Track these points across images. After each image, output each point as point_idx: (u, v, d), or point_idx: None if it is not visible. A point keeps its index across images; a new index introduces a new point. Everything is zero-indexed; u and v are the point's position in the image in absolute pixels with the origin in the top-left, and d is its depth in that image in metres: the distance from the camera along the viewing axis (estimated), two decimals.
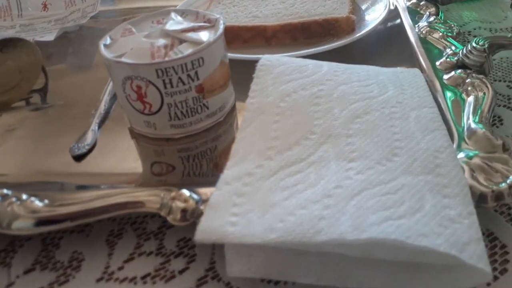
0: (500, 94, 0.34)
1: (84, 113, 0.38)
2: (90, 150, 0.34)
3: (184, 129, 0.33)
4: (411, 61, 0.37)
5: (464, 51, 0.33)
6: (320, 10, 0.43)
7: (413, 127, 0.25)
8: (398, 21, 0.43)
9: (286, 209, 0.21)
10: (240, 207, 0.22)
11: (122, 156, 0.34)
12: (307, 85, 0.29)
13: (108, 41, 0.33)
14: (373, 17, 0.43)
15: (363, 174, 0.22)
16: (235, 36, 0.44)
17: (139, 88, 0.31)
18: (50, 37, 0.51)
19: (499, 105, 0.33)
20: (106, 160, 0.33)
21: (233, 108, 0.36)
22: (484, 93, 0.29)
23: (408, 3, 0.45)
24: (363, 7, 0.47)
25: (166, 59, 0.30)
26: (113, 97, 0.39)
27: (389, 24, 0.44)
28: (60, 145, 0.34)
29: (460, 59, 0.33)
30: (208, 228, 0.21)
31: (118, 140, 0.35)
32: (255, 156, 0.25)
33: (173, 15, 0.36)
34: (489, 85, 0.30)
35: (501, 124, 0.31)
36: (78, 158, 0.33)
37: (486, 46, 0.32)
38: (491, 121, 0.28)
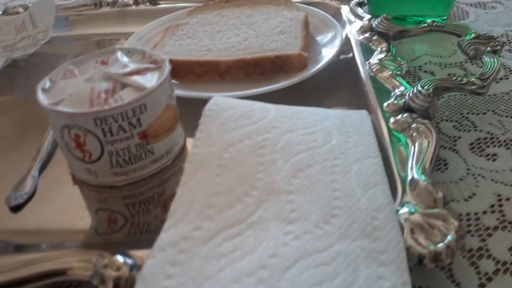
0: (446, 135, 0.34)
1: (26, 155, 0.36)
2: (28, 199, 0.32)
3: (127, 176, 0.32)
4: (362, 100, 0.37)
5: (410, 94, 0.33)
6: (273, 46, 0.43)
7: (354, 182, 0.25)
8: (352, 56, 0.43)
9: (220, 283, 0.20)
10: (172, 280, 0.20)
11: (63, 206, 0.32)
12: (253, 133, 0.29)
13: (48, 84, 0.32)
14: (328, 51, 0.43)
15: (300, 240, 0.21)
16: (188, 71, 0.43)
17: (77, 136, 0.30)
18: None
19: (445, 147, 0.33)
20: (46, 211, 0.31)
21: (182, 150, 0.35)
22: (429, 141, 0.29)
23: (361, 37, 0.45)
24: (319, 39, 0.47)
25: (105, 107, 0.29)
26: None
27: (343, 59, 0.44)
28: None
29: (406, 102, 0.33)
30: None
31: (60, 187, 0.33)
32: (194, 215, 0.24)
33: (119, 54, 0.35)
34: (433, 132, 0.30)
35: (446, 168, 0.31)
36: (15, 208, 0.32)
37: (431, 90, 0.32)
38: (434, 169, 0.28)
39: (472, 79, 0.33)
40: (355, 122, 0.31)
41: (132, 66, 0.33)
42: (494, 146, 0.33)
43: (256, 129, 0.29)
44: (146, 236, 0.29)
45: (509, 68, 0.42)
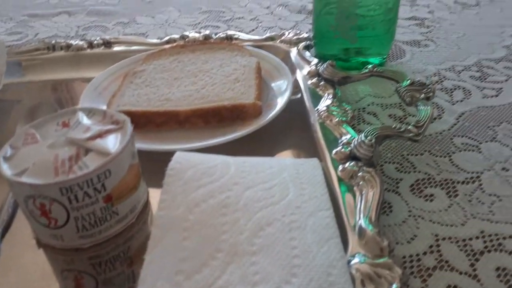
0: (389, 178, 0.38)
1: None
2: None
3: (93, 238, 0.33)
4: (312, 147, 0.40)
5: (355, 143, 0.36)
6: (229, 94, 0.45)
7: (309, 239, 0.27)
8: (302, 101, 0.47)
9: None
10: None
11: (27, 271, 0.32)
12: (216, 192, 0.31)
13: (9, 152, 0.32)
14: (280, 98, 0.46)
15: None
16: (148, 121, 0.44)
17: (42, 205, 0.30)
18: None
19: (389, 190, 0.37)
20: (9, 278, 0.32)
21: (146, 205, 0.37)
22: (374, 190, 0.33)
23: (309, 82, 0.48)
24: (272, 84, 0.50)
25: (71, 176, 0.30)
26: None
27: (295, 104, 0.47)
28: None
29: (352, 150, 0.36)
30: None
31: (24, 251, 0.34)
32: (163, 283, 0.25)
33: (79, 115, 0.36)
34: (377, 180, 0.33)
35: (391, 211, 0.35)
36: None
37: (373, 140, 0.35)
38: (379, 216, 0.31)
39: (409, 127, 0.37)
40: (308, 172, 0.34)
41: (94, 129, 0.34)
42: (431, 186, 0.37)
43: (218, 187, 0.31)
44: None
45: (441, 108, 0.47)
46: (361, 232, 0.30)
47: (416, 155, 0.40)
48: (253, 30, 0.71)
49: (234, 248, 0.27)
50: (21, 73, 0.60)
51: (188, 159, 0.34)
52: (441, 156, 0.40)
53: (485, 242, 0.32)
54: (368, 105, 0.48)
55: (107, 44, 0.62)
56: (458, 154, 0.40)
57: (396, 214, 0.34)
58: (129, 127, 0.34)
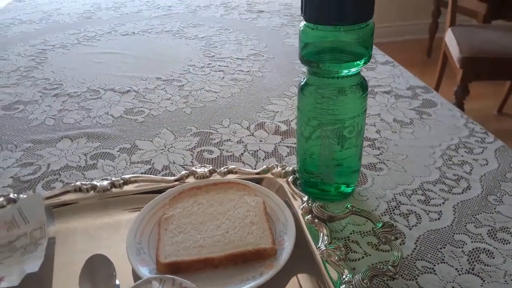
0: None
1: None
2: None
3: None
4: (321, 284, 0.55)
5: (355, 283, 0.52)
6: (250, 239, 0.59)
7: None
8: (303, 237, 0.62)
9: None
10: None
11: None
12: None
13: None
14: (287, 236, 0.61)
15: None
16: (189, 267, 0.57)
17: None
18: (14, 282, 0.56)
19: None
20: None
21: None
22: None
23: (306, 218, 0.64)
24: (276, 220, 0.65)
25: None
26: None
27: (297, 240, 0.61)
28: None
29: None
30: None
31: None
32: None
33: (153, 284, 0.48)
34: None
35: None
36: None
37: (367, 280, 0.51)
38: None
39: (389, 267, 0.53)
40: None
41: None
42: None
43: None
44: None
45: (403, 233, 0.64)
46: None
47: (392, 280, 0.56)
48: (242, 154, 0.86)
49: None
50: (53, 218, 0.69)
51: None
52: (409, 280, 0.57)
53: None
54: (351, 233, 0.64)
55: (128, 183, 0.74)
56: (421, 276, 0.57)
57: None
58: None
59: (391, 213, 0.68)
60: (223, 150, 0.88)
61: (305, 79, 0.65)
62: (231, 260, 0.58)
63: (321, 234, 0.61)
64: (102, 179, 0.75)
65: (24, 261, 0.60)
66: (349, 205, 0.64)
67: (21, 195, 0.71)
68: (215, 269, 0.57)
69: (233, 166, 0.77)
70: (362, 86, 0.64)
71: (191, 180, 0.74)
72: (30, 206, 0.66)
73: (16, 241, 0.63)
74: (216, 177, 0.74)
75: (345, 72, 0.61)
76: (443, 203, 0.70)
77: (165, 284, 0.48)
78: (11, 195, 0.71)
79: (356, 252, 0.61)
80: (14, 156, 0.88)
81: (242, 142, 0.90)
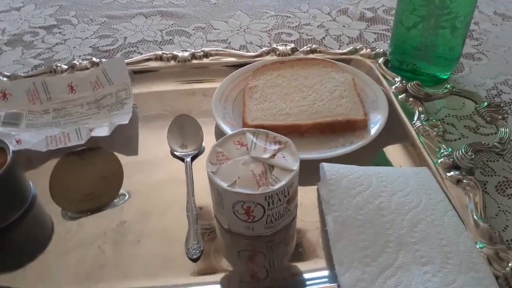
0: (478, 181, 0.50)
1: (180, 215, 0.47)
2: (202, 251, 0.44)
3: (274, 228, 0.45)
4: (416, 158, 0.52)
5: (457, 156, 0.48)
6: (340, 110, 0.57)
7: (450, 232, 0.40)
8: (395, 115, 0.58)
9: None
10: None
11: (228, 253, 0.44)
12: (370, 198, 0.43)
13: (211, 167, 0.43)
14: (378, 111, 0.57)
15: (436, 276, 0.36)
16: (275, 131, 0.55)
17: (248, 207, 0.42)
18: (104, 132, 0.57)
19: None
20: (219, 262, 0.44)
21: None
22: (477, 193, 0.45)
23: (400, 97, 0.60)
24: (365, 98, 0.61)
25: (271, 188, 0.41)
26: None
27: (389, 117, 0.58)
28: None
29: (455, 162, 0.48)
30: None
31: (221, 238, 0.46)
32: (358, 264, 0.38)
33: (247, 135, 0.47)
34: (478, 185, 0.45)
35: (485, 207, 0.47)
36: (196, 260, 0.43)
37: (473, 156, 0.47)
38: (485, 214, 0.43)
39: (495, 143, 0.49)
40: (426, 180, 0.46)
41: (269, 150, 0.45)
42: (511, 187, 0.49)
43: (371, 195, 0.43)
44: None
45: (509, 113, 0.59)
46: (477, 226, 0.42)
47: (493, 161, 0.53)
48: (323, 38, 0.81)
49: (400, 239, 0.39)
50: (136, 82, 0.69)
51: (338, 171, 0.46)
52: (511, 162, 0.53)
53: None
54: (446, 116, 0.60)
55: (208, 55, 0.71)
56: None
57: (490, 209, 0.47)
58: (293, 147, 0.45)
59: (491, 101, 0.62)
60: (302, 33, 0.83)
61: None
62: (318, 129, 0.55)
63: (417, 111, 0.57)
64: (183, 50, 0.73)
65: (111, 117, 0.61)
66: (449, 86, 0.59)
67: (103, 60, 0.71)
68: (300, 137, 0.56)
69: (316, 46, 0.72)
70: None
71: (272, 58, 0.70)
72: (113, 68, 0.66)
73: (102, 100, 0.64)
74: (298, 56, 0.70)
75: None
76: None
77: (258, 137, 0.47)
78: (94, 59, 0.71)
79: (452, 134, 0.57)
80: (91, 29, 0.87)
81: (323, 26, 0.84)
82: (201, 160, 0.54)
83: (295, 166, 0.43)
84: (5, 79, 0.67)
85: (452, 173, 0.48)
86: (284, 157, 0.44)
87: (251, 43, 0.80)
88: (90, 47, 0.81)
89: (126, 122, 0.58)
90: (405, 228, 0.40)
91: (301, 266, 0.43)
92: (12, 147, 0.48)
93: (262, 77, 0.64)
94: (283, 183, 0.42)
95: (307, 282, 0.41)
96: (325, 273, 0.41)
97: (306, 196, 0.49)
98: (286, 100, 0.59)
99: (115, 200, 0.50)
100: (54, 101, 0.65)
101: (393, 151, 0.54)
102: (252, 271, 0.43)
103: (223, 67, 0.70)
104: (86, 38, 0.84)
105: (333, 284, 0.39)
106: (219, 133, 0.56)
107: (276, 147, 0.46)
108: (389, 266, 0.37)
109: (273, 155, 0.44)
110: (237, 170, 0.43)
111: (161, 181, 0.52)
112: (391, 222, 0.41)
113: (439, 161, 0.49)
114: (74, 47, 0.81)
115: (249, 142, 0.46)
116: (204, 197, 0.48)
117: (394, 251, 0.38)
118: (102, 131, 0.58)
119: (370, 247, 0.39)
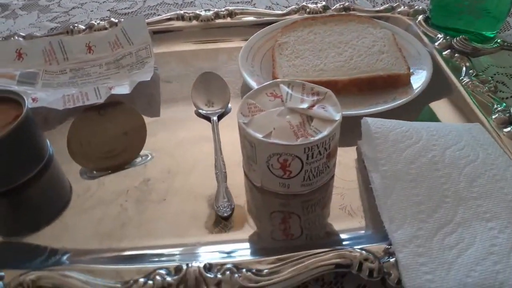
0: None
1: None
2: (233, 209, 0.40)
3: (311, 186, 0.41)
4: (466, 114, 0.47)
5: None
6: (380, 65, 0.52)
7: None
8: (440, 71, 0.53)
9: (465, 266, 0.30)
10: (426, 267, 0.30)
11: (259, 214, 0.40)
12: (422, 152, 0.38)
13: (243, 119, 0.39)
14: (421, 67, 0.52)
15: (503, 233, 0.31)
16: None
17: (285, 161, 0.38)
18: (125, 90, 0.54)
19: None
20: (250, 220, 0.40)
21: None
22: None
23: (444, 53, 0.55)
24: (406, 55, 0.56)
25: (311, 139, 0.37)
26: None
27: (433, 74, 0.53)
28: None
29: (510, 116, 0.43)
30: (414, 286, 0.29)
31: (248, 196, 0.42)
32: (411, 220, 0.33)
33: (282, 87, 0.42)
34: None
35: None
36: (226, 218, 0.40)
37: None
38: None
39: None
40: (480, 135, 0.41)
41: (307, 100, 0.41)
42: None
43: (422, 148, 0.38)
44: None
45: None
46: None
47: None
48: None
49: (458, 194, 0.35)
50: (156, 43, 0.65)
51: (382, 124, 0.41)
52: None
53: None
54: (495, 74, 0.55)
55: (232, 15, 0.67)
56: None
57: None
58: (334, 97, 0.41)
59: None
60: None
61: None
62: (356, 86, 0.51)
63: (464, 67, 0.52)
64: (205, 10, 0.68)
65: (132, 76, 0.57)
66: (499, 40, 0.54)
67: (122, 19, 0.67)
68: (336, 95, 0.51)
69: (349, 3, 0.67)
70: None
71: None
72: (133, 27, 0.62)
73: (122, 60, 0.61)
74: (330, 13, 0.66)
75: None
76: None
77: (294, 88, 0.42)
78: (113, 19, 0.67)
79: (503, 92, 0.52)
80: None
81: None
82: (227, 120, 0.50)
83: (337, 117, 0.39)
84: (20, 39, 0.64)
85: (509, 128, 0.43)
86: (324, 107, 0.40)
87: (277, 4, 0.76)
88: (108, 10, 0.78)
89: (148, 79, 0.54)
90: (463, 182, 0.36)
91: (342, 226, 0.39)
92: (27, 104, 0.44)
93: (293, 33, 0.59)
94: (324, 133, 0.37)
95: (352, 242, 0.37)
96: (371, 233, 0.37)
97: (345, 155, 0.45)
98: (320, 56, 0.55)
99: (137, 159, 0.46)
100: (72, 61, 0.62)
101: (439, 109, 0.50)
102: (285, 230, 0.39)
103: (249, 27, 0.65)
104: (104, 1, 0.80)
105: (382, 244, 0.35)
106: (246, 92, 0.51)
107: (315, 98, 0.41)
108: (447, 222, 0.33)
109: (312, 106, 0.40)
110: (272, 121, 0.39)
111: (186, 140, 0.49)
112: (447, 177, 0.36)
113: (493, 117, 0.44)
114: (91, 11, 0.78)
115: (284, 93, 0.42)
116: (231, 158, 0.44)
117: (452, 207, 0.34)
118: (123, 89, 0.54)
119: (425, 203, 0.35)
